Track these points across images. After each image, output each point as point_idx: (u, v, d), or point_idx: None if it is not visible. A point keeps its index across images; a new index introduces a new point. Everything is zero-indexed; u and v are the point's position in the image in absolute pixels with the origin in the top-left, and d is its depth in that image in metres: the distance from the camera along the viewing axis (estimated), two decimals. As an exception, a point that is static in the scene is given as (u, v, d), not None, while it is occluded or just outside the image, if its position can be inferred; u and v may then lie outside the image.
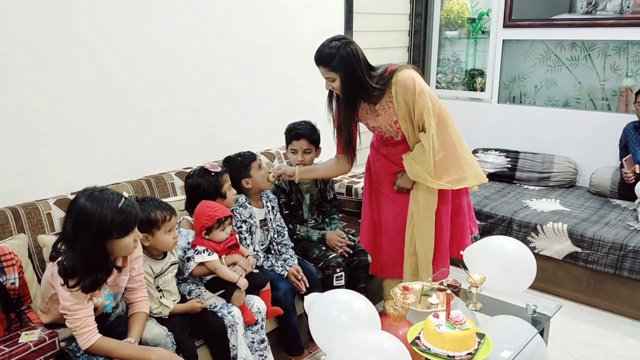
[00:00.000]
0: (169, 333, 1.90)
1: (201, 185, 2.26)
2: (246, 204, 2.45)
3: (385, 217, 2.60)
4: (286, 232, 2.58)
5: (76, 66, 2.31)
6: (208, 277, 2.20)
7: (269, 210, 2.54)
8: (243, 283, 2.13)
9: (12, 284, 1.72)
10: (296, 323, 2.38)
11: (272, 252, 2.53)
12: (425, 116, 2.29)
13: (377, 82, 2.30)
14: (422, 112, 2.29)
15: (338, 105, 2.39)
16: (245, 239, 2.41)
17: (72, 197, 2.19)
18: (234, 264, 2.20)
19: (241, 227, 2.42)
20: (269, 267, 2.44)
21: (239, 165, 2.44)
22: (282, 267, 2.43)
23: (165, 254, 2.05)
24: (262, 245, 2.52)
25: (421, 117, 2.30)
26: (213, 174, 2.28)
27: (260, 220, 2.49)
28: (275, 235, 2.54)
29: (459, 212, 2.58)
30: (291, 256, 2.50)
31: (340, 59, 2.22)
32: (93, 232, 1.62)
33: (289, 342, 2.41)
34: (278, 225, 2.57)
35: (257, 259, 2.42)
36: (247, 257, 2.28)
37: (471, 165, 2.43)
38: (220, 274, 2.14)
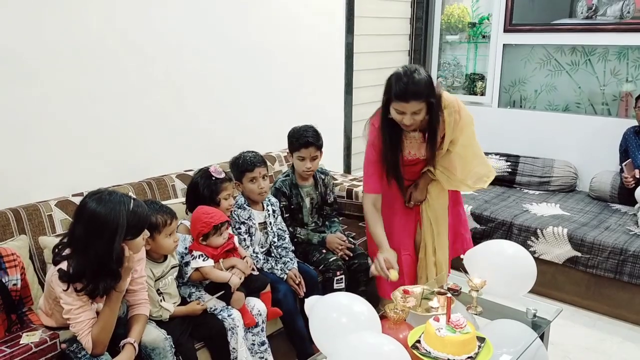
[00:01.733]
0: (168, 336, 1.90)
1: (198, 186, 2.26)
2: (245, 205, 2.45)
3: (400, 233, 2.51)
4: (287, 236, 2.57)
5: (77, 69, 2.32)
6: (207, 281, 2.20)
7: (269, 214, 2.53)
8: (235, 282, 2.12)
9: (14, 285, 1.72)
10: (301, 326, 2.35)
11: (273, 255, 2.53)
12: (468, 128, 2.28)
13: None
14: (464, 127, 2.27)
15: (390, 141, 2.26)
16: (244, 240, 2.41)
17: (73, 198, 2.21)
18: (232, 267, 2.20)
19: (240, 228, 2.42)
20: (269, 269, 2.44)
21: (234, 169, 2.45)
22: (281, 270, 2.43)
23: (165, 257, 2.06)
24: (263, 248, 2.52)
25: (462, 131, 2.27)
26: (213, 179, 2.27)
27: (259, 223, 2.49)
28: (276, 239, 2.54)
29: (458, 217, 2.59)
30: (291, 259, 2.50)
31: (429, 86, 2.10)
32: (108, 236, 1.61)
33: (298, 348, 2.38)
34: (279, 229, 2.56)
35: (257, 261, 2.42)
36: (244, 258, 2.28)
37: (487, 161, 2.44)
38: (212, 277, 2.13)
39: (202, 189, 2.25)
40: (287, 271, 2.42)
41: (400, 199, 2.50)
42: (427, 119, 2.18)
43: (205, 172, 2.30)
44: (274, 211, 2.56)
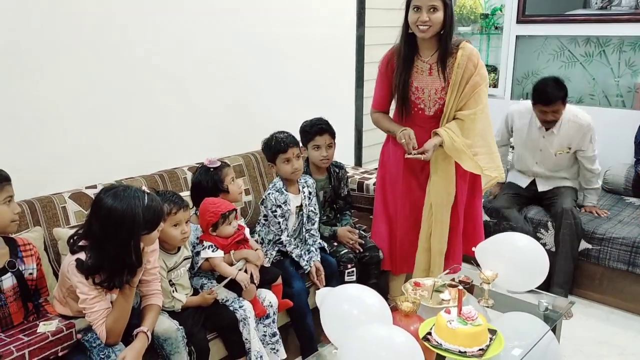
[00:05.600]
0: (180, 327, 1.91)
1: (201, 183, 2.27)
2: (282, 189, 2.42)
3: (402, 211, 2.57)
4: (317, 219, 2.54)
5: (91, 62, 2.33)
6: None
7: (305, 196, 2.49)
8: (241, 277, 2.13)
9: (31, 274, 1.74)
10: (310, 323, 2.36)
11: (300, 237, 2.50)
12: (483, 87, 2.32)
13: None
14: (480, 83, 2.31)
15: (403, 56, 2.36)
16: (279, 223, 2.40)
17: (87, 191, 2.23)
18: (244, 259, 2.21)
19: (275, 211, 2.40)
20: (297, 256, 2.43)
21: (267, 151, 2.44)
22: (307, 262, 2.43)
23: (178, 249, 2.07)
24: (295, 233, 2.49)
25: (473, 89, 2.31)
26: (212, 169, 2.28)
27: (296, 207, 2.46)
28: (306, 221, 2.51)
29: (474, 208, 2.58)
30: (315, 250, 2.49)
31: None
32: (125, 232, 1.63)
33: (304, 344, 2.38)
34: (311, 211, 2.52)
35: (289, 244, 2.41)
36: (256, 250, 2.28)
37: (497, 157, 2.45)
38: (220, 271, 2.15)
39: (206, 183, 2.26)
40: (312, 263, 2.42)
41: (402, 184, 2.51)
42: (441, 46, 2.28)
43: (202, 168, 2.31)
44: (310, 193, 2.52)
